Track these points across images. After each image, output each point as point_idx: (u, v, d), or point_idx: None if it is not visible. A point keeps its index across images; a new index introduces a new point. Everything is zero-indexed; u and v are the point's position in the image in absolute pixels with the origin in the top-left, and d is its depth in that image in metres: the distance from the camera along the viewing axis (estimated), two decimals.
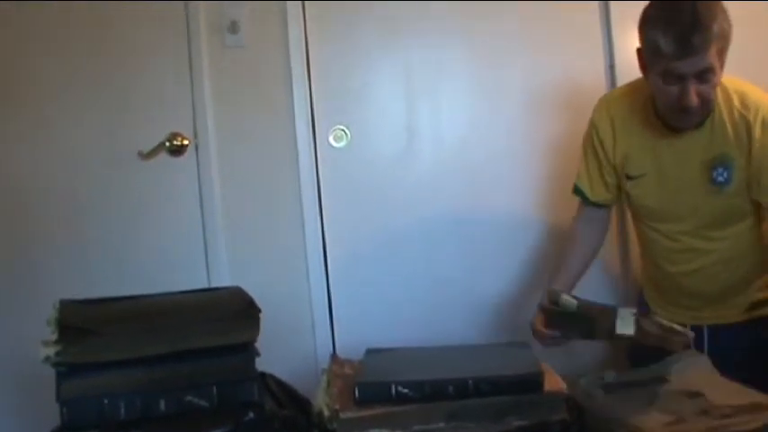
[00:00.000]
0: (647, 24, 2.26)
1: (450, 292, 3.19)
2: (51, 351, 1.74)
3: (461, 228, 3.21)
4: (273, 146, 3.17)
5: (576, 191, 2.69)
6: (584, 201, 2.68)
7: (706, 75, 2.19)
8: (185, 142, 3.14)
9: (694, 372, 2.07)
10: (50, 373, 1.76)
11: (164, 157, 3.13)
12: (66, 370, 1.75)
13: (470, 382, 1.90)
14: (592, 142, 2.59)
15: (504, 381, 1.91)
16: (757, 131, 2.30)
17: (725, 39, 2.20)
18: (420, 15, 3.16)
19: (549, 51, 3.18)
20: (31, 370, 1.89)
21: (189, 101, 3.15)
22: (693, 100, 2.21)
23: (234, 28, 3.14)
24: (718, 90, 2.32)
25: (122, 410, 1.76)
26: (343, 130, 3.18)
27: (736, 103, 2.34)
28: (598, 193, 2.64)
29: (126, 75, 3.14)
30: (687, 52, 2.15)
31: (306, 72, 3.16)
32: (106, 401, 1.75)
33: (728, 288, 2.49)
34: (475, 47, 3.21)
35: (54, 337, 1.76)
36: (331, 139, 3.18)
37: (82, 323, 1.78)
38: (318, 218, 3.17)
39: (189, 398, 1.79)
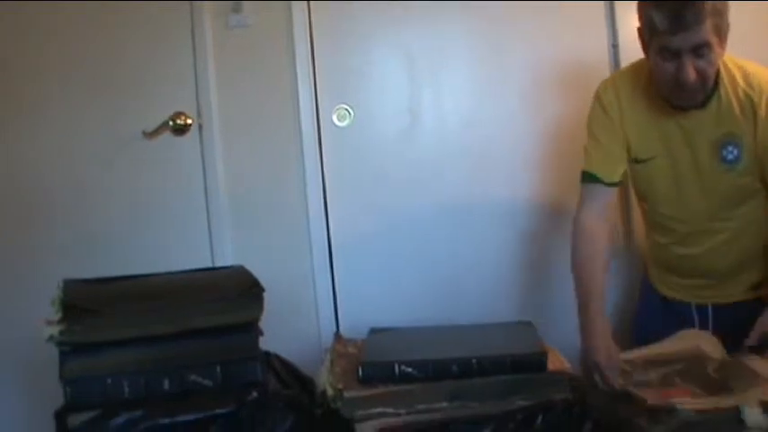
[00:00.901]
0: (643, 2, 2.25)
1: (453, 271, 3.19)
2: (55, 330, 1.74)
3: (464, 207, 3.20)
4: (277, 125, 3.16)
5: (589, 178, 2.49)
6: (598, 186, 2.48)
7: (702, 50, 2.17)
8: (189, 122, 3.13)
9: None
10: (54, 352, 1.77)
11: (167, 136, 3.13)
12: (69, 349, 1.75)
13: (474, 361, 1.90)
14: (604, 119, 2.48)
15: (507, 360, 1.91)
16: (762, 112, 2.29)
17: (720, 15, 2.18)
18: None
19: (551, 31, 3.17)
20: (34, 349, 1.89)
21: (192, 80, 3.14)
22: (691, 75, 2.19)
23: (237, 8, 3.13)
24: (722, 68, 2.31)
25: (126, 390, 1.76)
26: (346, 109, 3.17)
27: (740, 81, 2.32)
28: (614, 173, 2.48)
29: (129, 54, 3.13)
30: (681, 27, 2.14)
31: (309, 51, 3.15)
32: (110, 381, 1.76)
33: (736, 266, 2.48)
34: (478, 27, 3.20)
35: (58, 316, 1.76)
36: (334, 118, 3.17)
37: (85, 303, 1.78)
38: (322, 197, 3.17)
39: (192, 377, 1.80)
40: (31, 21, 3.12)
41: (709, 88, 2.29)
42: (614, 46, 3.14)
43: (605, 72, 2.79)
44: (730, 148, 2.33)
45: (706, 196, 2.42)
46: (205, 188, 3.16)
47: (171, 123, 3.11)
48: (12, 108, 3.14)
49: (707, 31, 2.14)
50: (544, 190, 3.19)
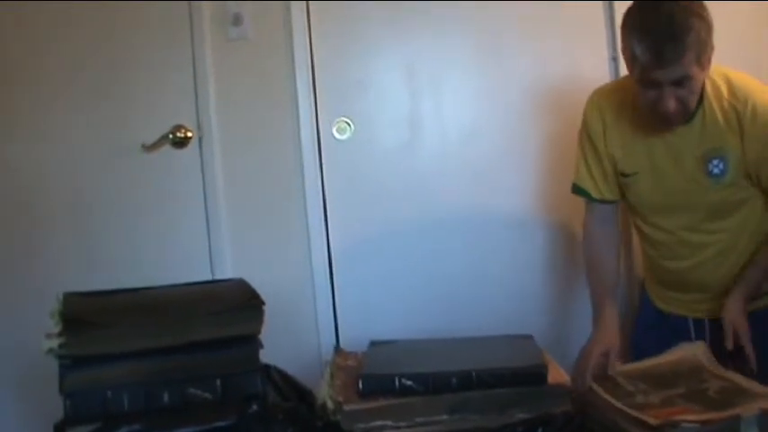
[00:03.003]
0: (625, 30, 2.24)
1: (453, 284, 3.19)
2: (54, 343, 1.74)
3: (464, 219, 3.21)
4: (277, 138, 3.17)
5: (578, 191, 2.59)
6: (590, 201, 2.59)
7: (683, 82, 2.18)
8: (189, 134, 3.14)
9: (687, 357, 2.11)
10: (54, 365, 1.76)
11: (167, 149, 3.13)
12: (69, 362, 1.75)
13: (474, 374, 1.89)
14: (588, 136, 2.53)
15: (508, 373, 1.91)
16: (747, 123, 2.29)
17: (703, 44, 2.17)
18: (424, 7, 3.15)
19: (552, 43, 3.18)
20: (34, 362, 1.89)
21: (192, 93, 3.15)
22: (670, 105, 2.20)
23: (237, 20, 3.14)
24: (706, 81, 2.30)
25: (125, 403, 1.76)
26: (346, 121, 3.18)
27: (725, 92, 2.32)
28: (603, 190, 2.54)
29: (129, 67, 3.14)
30: (661, 63, 2.14)
31: (309, 64, 3.16)
32: (109, 394, 1.75)
33: (729, 279, 2.46)
34: (478, 38, 3.20)
35: (57, 329, 1.76)
36: (334, 131, 3.18)
37: (85, 315, 1.78)
38: (322, 210, 3.17)
39: (192, 390, 1.79)
40: (30, 35, 3.13)
41: (690, 112, 2.28)
42: (614, 59, 3.14)
43: None
44: (716, 162, 2.33)
45: (692, 210, 2.42)
46: (205, 201, 3.17)
47: (171, 136, 3.12)
48: (11, 121, 3.15)
49: (688, 64, 2.15)
50: (545, 202, 3.19)
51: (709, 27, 2.18)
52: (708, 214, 2.41)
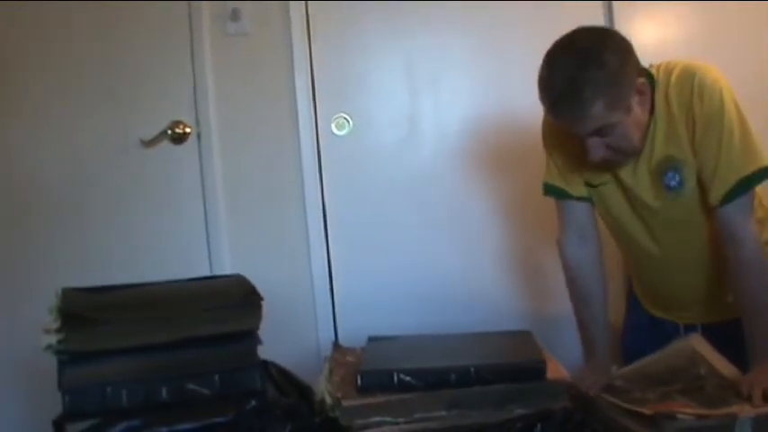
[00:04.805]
0: (538, 76, 2.04)
1: (451, 280, 3.18)
2: (53, 339, 1.74)
3: (462, 215, 3.20)
4: (275, 133, 3.17)
5: (551, 190, 2.35)
6: (568, 202, 2.34)
7: (603, 131, 2.00)
8: (187, 130, 3.13)
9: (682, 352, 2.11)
10: (52, 361, 1.76)
11: (166, 144, 3.13)
12: (68, 358, 1.75)
13: (472, 369, 1.90)
14: (549, 132, 2.33)
15: (506, 368, 1.91)
16: (696, 102, 2.06)
17: (613, 91, 1.96)
18: (423, 3, 3.15)
19: (551, 41, 3.16)
20: (33, 358, 1.89)
21: (191, 89, 3.15)
22: (598, 155, 2.05)
23: (235, 16, 3.14)
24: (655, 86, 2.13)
25: (124, 398, 1.76)
26: (345, 117, 3.18)
27: (673, 88, 2.10)
28: (575, 187, 2.31)
29: (128, 63, 3.14)
30: (564, 121, 2.01)
31: (308, 59, 3.16)
32: (108, 389, 1.76)
33: (715, 289, 2.33)
34: (477, 36, 3.20)
35: (56, 325, 1.76)
36: (333, 127, 3.17)
37: (84, 311, 1.78)
38: (320, 205, 3.17)
39: (191, 386, 1.80)
40: (30, 33, 3.13)
41: (634, 150, 2.12)
42: None
43: None
44: (671, 174, 2.15)
45: (662, 223, 2.26)
46: (203, 197, 3.16)
47: (169, 132, 3.12)
48: (11, 118, 3.15)
49: (599, 116, 1.96)
50: (544, 199, 3.18)
51: (615, 72, 1.96)
52: (678, 227, 2.26)
